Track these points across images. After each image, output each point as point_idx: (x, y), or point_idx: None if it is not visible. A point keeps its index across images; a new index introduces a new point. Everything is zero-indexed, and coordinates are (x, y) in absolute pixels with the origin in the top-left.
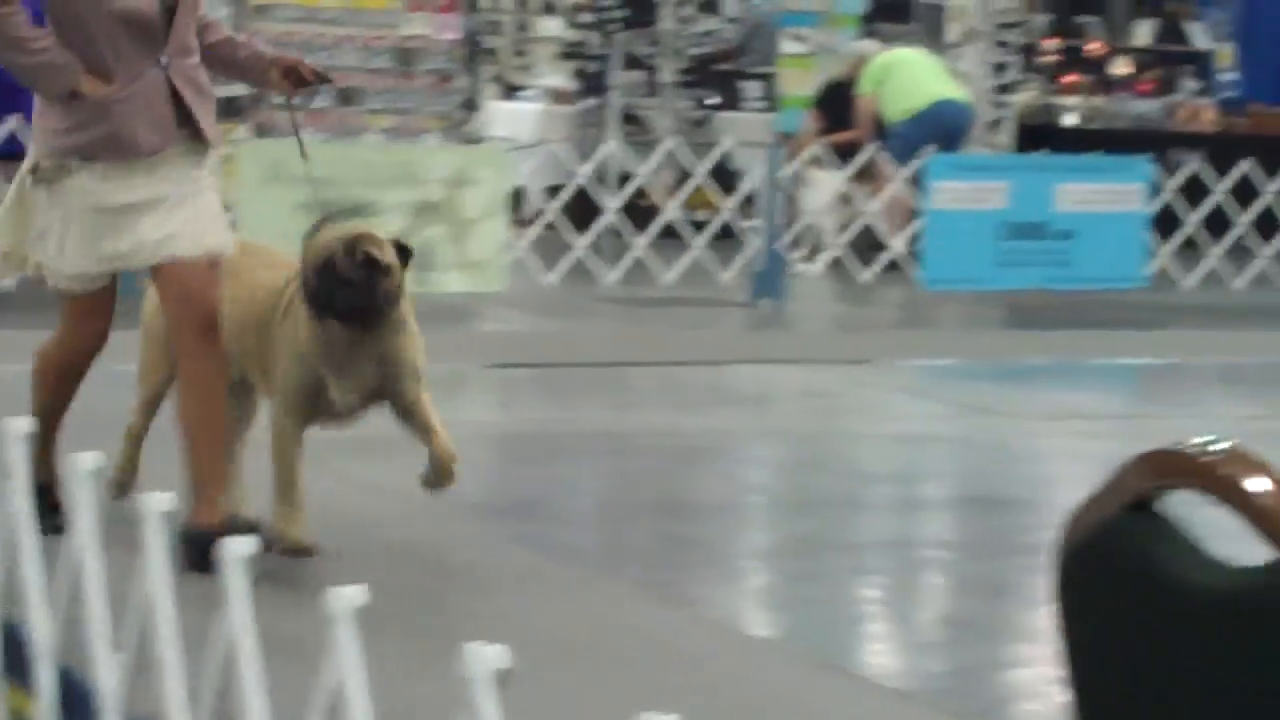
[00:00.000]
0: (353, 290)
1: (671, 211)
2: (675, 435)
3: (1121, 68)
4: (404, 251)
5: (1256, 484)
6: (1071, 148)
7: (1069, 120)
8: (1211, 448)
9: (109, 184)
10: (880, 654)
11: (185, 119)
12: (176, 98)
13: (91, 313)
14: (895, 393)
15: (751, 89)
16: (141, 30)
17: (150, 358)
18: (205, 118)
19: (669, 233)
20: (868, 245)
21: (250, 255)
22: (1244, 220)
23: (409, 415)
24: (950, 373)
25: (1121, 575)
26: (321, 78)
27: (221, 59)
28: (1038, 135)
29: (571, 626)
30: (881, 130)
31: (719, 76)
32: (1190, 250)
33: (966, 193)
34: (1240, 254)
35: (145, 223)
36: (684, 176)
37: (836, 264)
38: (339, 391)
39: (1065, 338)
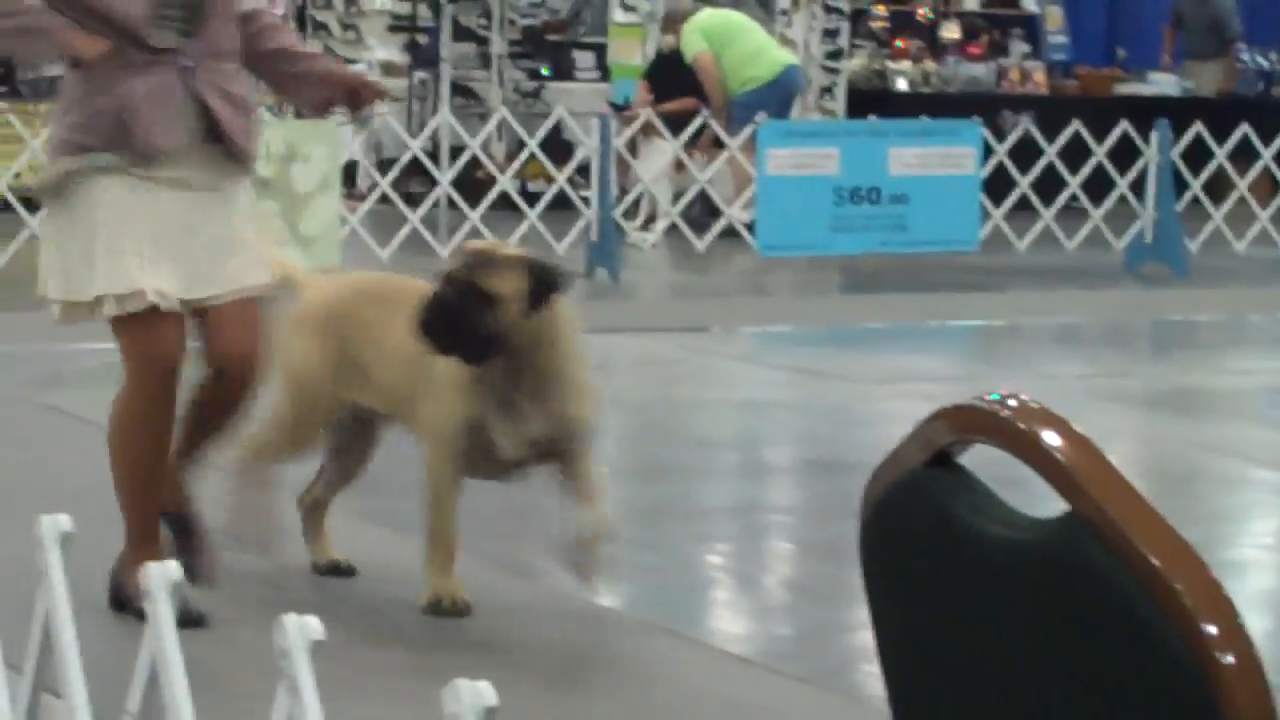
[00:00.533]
0: (448, 318)
1: (505, 183)
2: None
3: (952, 32)
4: (544, 281)
5: (1051, 438)
6: (903, 112)
7: (901, 85)
8: (1009, 402)
9: (132, 194)
10: (723, 620)
11: (213, 131)
12: (203, 107)
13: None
14: (733, 360)
15: (584, 59)
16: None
17: (297, 407)
18: (239, 132)
19: (504, 204)
20: (706, 213)
21: (397, 285)
22: (1075, 181)
23: (569, 476)
24: (787, 338)
25: (922, 530)
26: (382, 94)
27: (269, 69)
28: (869, 101)
29: (411, 599)
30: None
31: (551, 47)
32: (1022, 212)
33: (799, 159)
34: (1072, 215)
35: (178, 253)
36: (518, 148)
37: (673, 232)
38: (503, 437)
39: (901, 301)
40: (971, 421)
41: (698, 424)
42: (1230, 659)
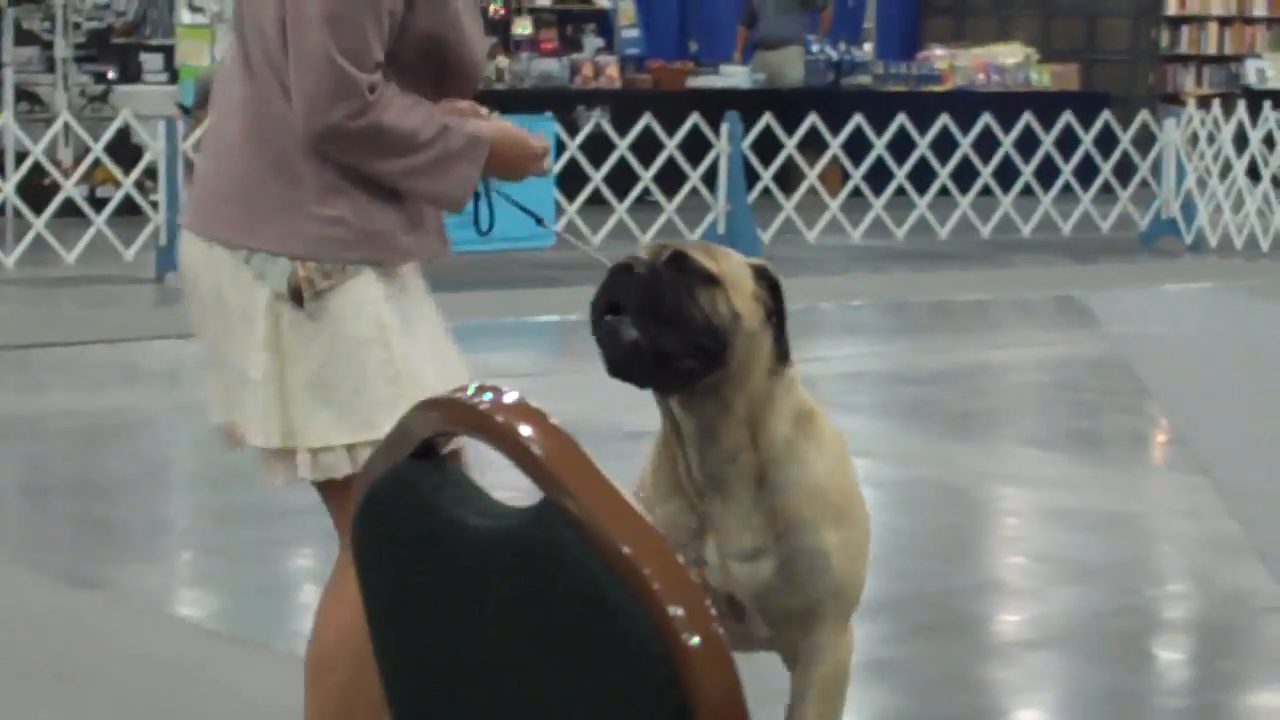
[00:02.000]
0: (652, 300)
1: (71, 189)
2: (85, 415)
3: (524, 27)
4: (773, 290)
5: (526, 430)
6: None
7: None
8: (486, 396)
9: (390, 302)
10: (304, 625)
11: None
12: None
13: None
14: None
15: (151, 61)
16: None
17: None
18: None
19: (71, 211)
20: None
21: None
22: (648, 175)
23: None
24: None
25: (409, 524)
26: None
27: None
28: None
29: None
30: None
31: (118, 50)
32: (597, 206)
33: None
34: (646, 208)
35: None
36: (85, 153)
37: None
38: (710, 545)
39: (483, 298)
40: (452, 415)
41: None
42: (696, 640)
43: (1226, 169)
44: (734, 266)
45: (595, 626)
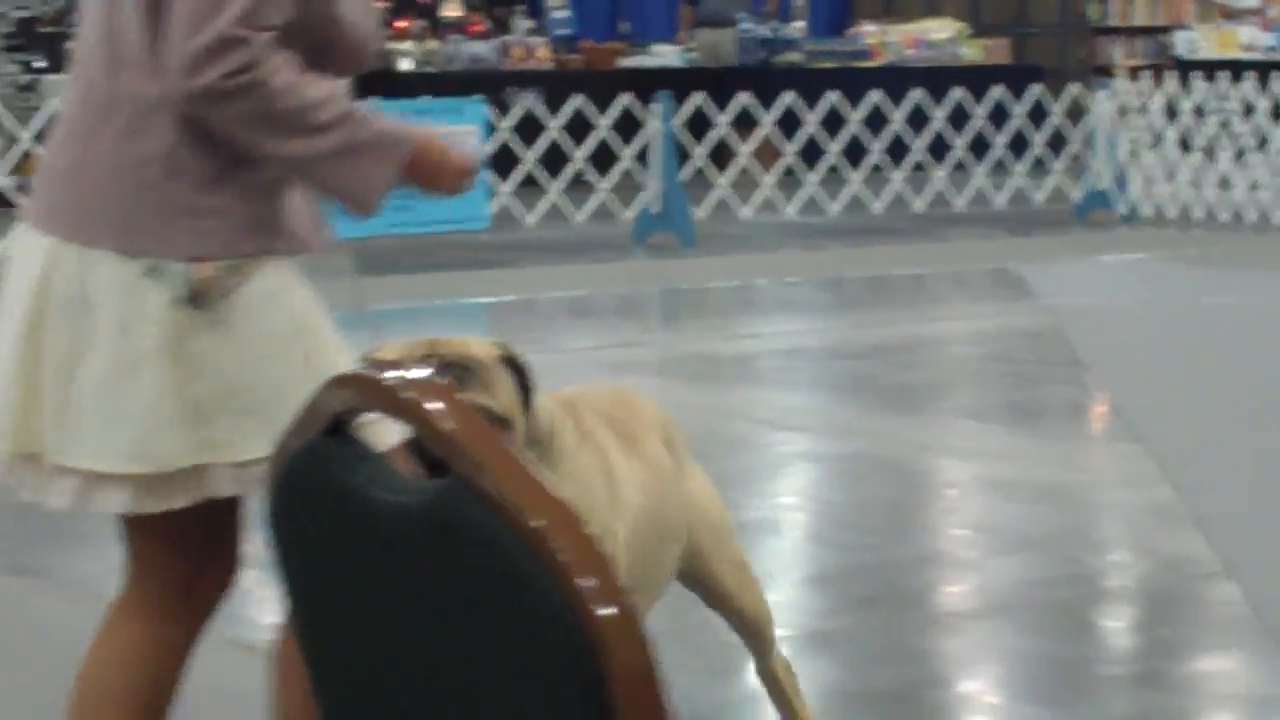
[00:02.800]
0: None
1: (2, 178)
2: None
3: (453, 10)
4: (519, 374)
5: (434, 405)
6: (407, 93)
7: (404, 65)
8: (394, 373)
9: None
10: (243, 609)
11: None
12: None
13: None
14: None
15: None
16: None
17: None
18: None
19: (1, 202)
20: None
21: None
22: (580, 155)
23: None
24: None
25: (321, 500)
26: None
27: None
28: (372, 81)
29: None
30: None
31: (45, 39)
32: (531, 188)
33: None
34: (580, 189)
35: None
36: (11, 144)
37: None
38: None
39: (414, 281)
40: (363, 391)
41: None
42: (609, 610)
43: (1158, 140)
44: (489, 372)
45: (507, 600)
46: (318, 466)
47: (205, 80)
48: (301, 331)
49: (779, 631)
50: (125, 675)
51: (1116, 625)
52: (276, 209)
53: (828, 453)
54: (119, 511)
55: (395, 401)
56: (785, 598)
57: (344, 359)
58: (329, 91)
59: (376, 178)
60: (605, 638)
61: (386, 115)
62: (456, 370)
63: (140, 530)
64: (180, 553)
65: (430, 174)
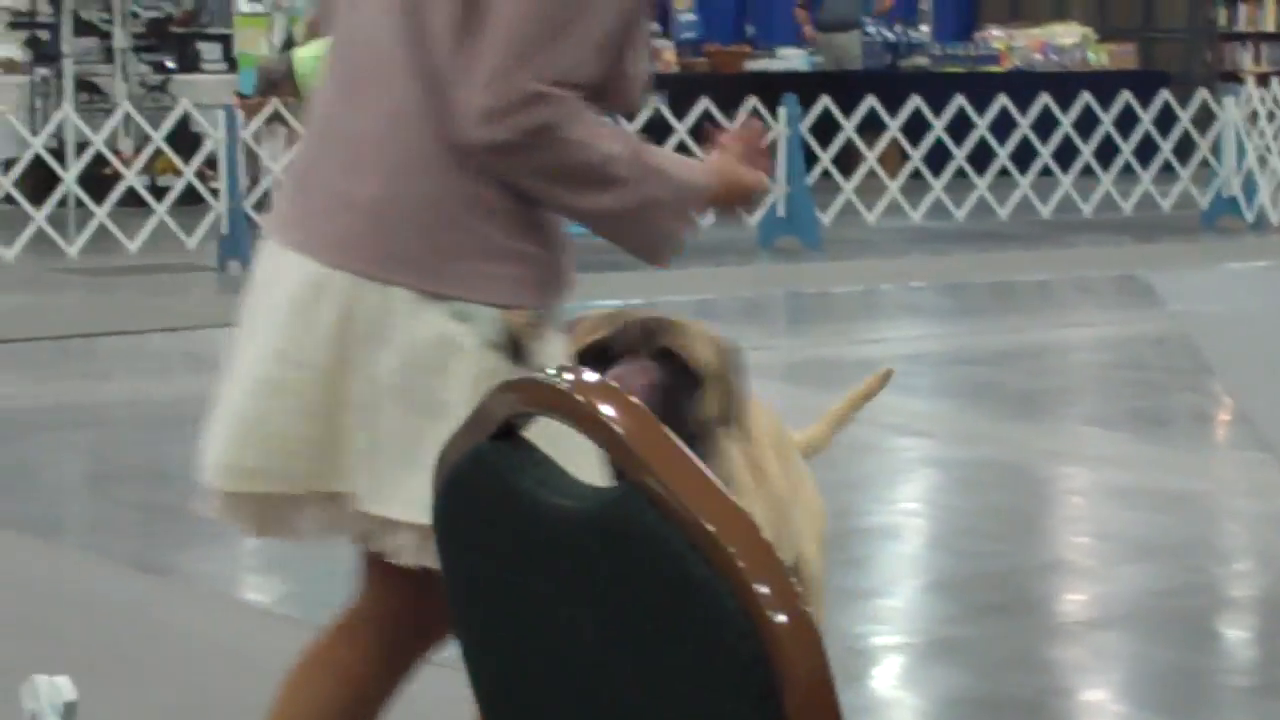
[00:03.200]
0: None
1: (133, 179)
2: (149, 403)
3: None
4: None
5: (607, 409)
6: None
7: None
8: (567, 376)
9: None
10: None
11: None
12: None
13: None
14: None
15: (210, 50)
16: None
17: None
18: None
19: (133, 200)
20: None
21: None
22: (705, 159)
23: None
24: None
25: (490, 505)
26: None
27: None
28: None
29: (60, 603)
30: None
31: (176, 39)
32: None
33: None
34: None
35: None
36: (145, 142)
37: None
38: None
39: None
40: (532, 395)
41: None
42: (782, 617)
43: None
44: (710, 379)
45: (680, 606)
46: (486, 471)
47: (498, 135)
48: None
49: (899, 639)
50: (340, 691)
51: (1240, 635)
52: (570, 258)
53: (951, 458)
54: (410, 563)
55: (566, 405)
56: (907, 604)
57: None
58: (624, 144)
59: (672, 231)
60: (780, 645)
61: (672, 156)
62: (678, 369)
63: (390, 564)
64: (424, 592)
65: (724, 203)
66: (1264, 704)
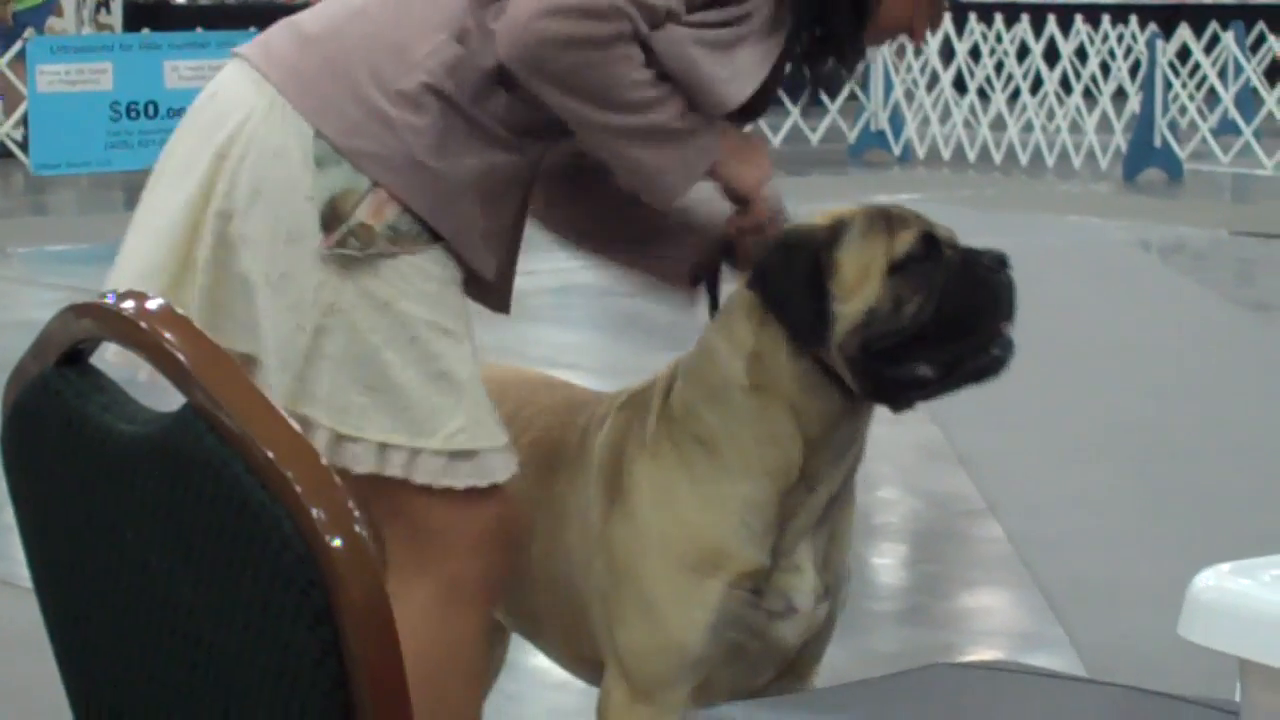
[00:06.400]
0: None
1: None
2: None
3: None
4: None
5: (172, 336)
6: (181, 25)
7: None
8: (130, 302)
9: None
10: None
11: None
12: None
13: None
14: (10, 283)
15: None
16: None
17: None
18: None
19: None
20: None
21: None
22: None
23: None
24: (68, 257)
25: (56, 430)
26: None
27: None
28: (146, 14)
29: None
30: None
31: None
32: None
33: (72, 75)
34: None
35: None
36: None
37: None
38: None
39: None
40: (97, 320)
41: None
42: (338, 541)
43: (933, 81)
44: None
45: (241, 530)
46: (52, 396)
47: (548, 30)
48: (434, 327)
49: None
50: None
51: (884, 562)
52: (491, 221)
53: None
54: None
55: (130, 331)
56: None
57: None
58: (653, 78)
59: (687, 167)
60: (335, 569)
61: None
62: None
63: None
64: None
65: (732, 173)
66: (903, 631)
